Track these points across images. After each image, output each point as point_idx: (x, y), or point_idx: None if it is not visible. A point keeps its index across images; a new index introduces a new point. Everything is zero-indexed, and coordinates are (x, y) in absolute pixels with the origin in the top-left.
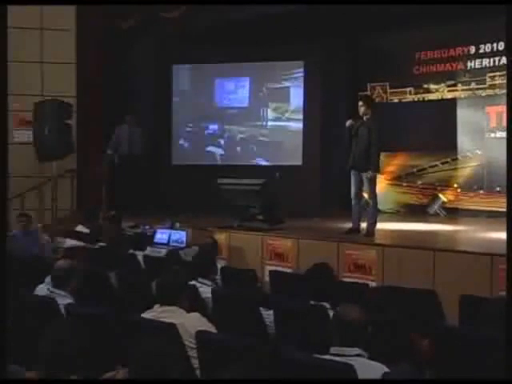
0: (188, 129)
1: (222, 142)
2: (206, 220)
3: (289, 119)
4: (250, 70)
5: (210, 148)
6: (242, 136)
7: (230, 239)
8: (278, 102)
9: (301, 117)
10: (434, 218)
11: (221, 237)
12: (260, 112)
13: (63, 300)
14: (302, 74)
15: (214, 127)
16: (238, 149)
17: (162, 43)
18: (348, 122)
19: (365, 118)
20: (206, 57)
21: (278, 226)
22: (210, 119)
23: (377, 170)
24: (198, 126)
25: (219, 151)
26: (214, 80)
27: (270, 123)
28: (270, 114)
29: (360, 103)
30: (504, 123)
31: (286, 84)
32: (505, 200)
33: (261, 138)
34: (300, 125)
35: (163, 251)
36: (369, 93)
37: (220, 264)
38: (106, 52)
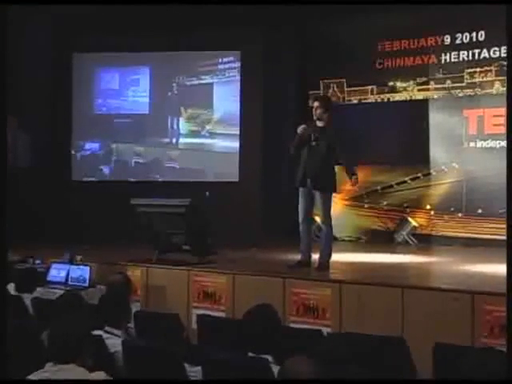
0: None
1: (107, 170)
2: (117, 252)
3: (212, 134)
4: (151, 58)
5: (86, 179)
6: (138, 160)
7: (147, 276)
8: (196, 107)
9: (232, 130)
10: (403, 247)
11: (135, 273)
12: (167, 122)
13: None
14: (232, 66)
15: (93, 146)
16: (132, 180)
17: (59, 23)
18: (300, 128)
19: (320, 123)
20: (112, 43)
21: (209, 258)
22: (87, 134)
23: (333, 188)
24: (71, 145)
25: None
26: (94, 73)
27: (183, 140)
28: (184, 125)
29: (316, 104)
30: (486, 130)
31: (208, 79)
32: (488, 225)
33: (168, 164)
34: (231, 143)
35: (59, 292)
36: (321, 91)
37: (134, 308)
38: None
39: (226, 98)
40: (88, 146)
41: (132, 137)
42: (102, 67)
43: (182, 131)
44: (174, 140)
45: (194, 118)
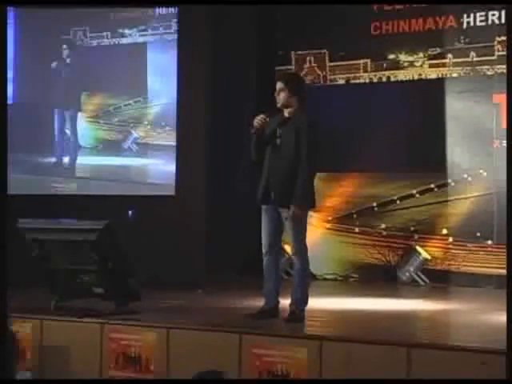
0: None
1: None
2: None
3: (144, 147)
4: None
5: None
6: None
7: (41, 332)
8: (112, 93)
9: (170, 139)
10: (408, 288)
11: (24, 329)
12: (51, 124)
13: None
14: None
15: None
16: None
17: None
18: (257, 120)
19: (287, 112)
20: None
21: (132, 306)
22: None
23: (309, 202)
24: None
25: None
26: None
27: (84, 160)
28: (87, 130)
29: (279, 85)
30: None
31: (135, 36)
32: None
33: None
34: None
35: None
36: (294, 67)
37: (22, 378)
38: None
39: (172, 73)
40: None
41: None
42: None
43: (82, 141)
44: (65, 159)
45: (106, 115)
